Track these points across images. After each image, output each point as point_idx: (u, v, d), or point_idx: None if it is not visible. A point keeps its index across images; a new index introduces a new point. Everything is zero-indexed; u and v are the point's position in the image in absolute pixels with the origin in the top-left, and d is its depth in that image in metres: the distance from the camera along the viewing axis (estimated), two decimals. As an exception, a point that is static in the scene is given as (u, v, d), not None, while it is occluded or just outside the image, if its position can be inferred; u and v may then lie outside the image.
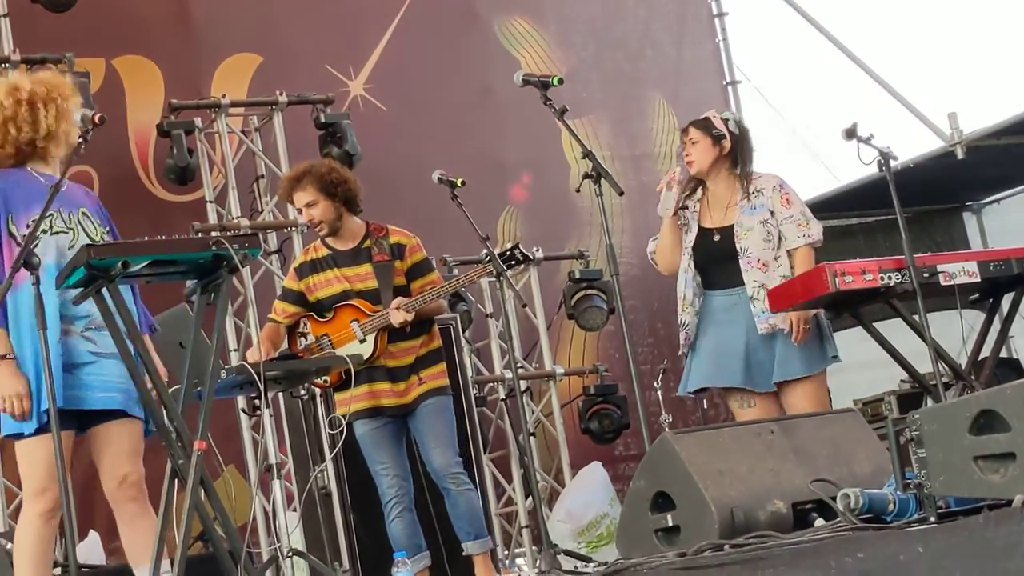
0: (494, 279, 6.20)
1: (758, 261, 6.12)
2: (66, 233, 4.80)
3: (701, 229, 6.25)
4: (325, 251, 6.34)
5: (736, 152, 6.25)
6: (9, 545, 6.27)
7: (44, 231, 4.72)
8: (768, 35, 12.00)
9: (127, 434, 4.72)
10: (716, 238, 6.21)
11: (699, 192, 6.32)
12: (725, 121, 6.26)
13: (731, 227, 6.19)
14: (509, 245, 6.23)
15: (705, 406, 9.91)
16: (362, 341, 6.18)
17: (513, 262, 6.22)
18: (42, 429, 4.61)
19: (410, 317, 6.10)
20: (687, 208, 6.31)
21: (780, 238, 6.16)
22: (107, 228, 4.96)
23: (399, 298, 6.15)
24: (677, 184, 6.24)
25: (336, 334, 6.27)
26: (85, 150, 5.13)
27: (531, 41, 11.00)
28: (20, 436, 4.69)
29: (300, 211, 6.38)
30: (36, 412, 4.62)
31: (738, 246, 6.15)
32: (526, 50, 10.94)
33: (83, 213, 4.90)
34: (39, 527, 4.71)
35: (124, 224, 5.16)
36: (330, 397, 7.05)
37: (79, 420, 4.77)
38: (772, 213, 6.17)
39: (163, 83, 9.53)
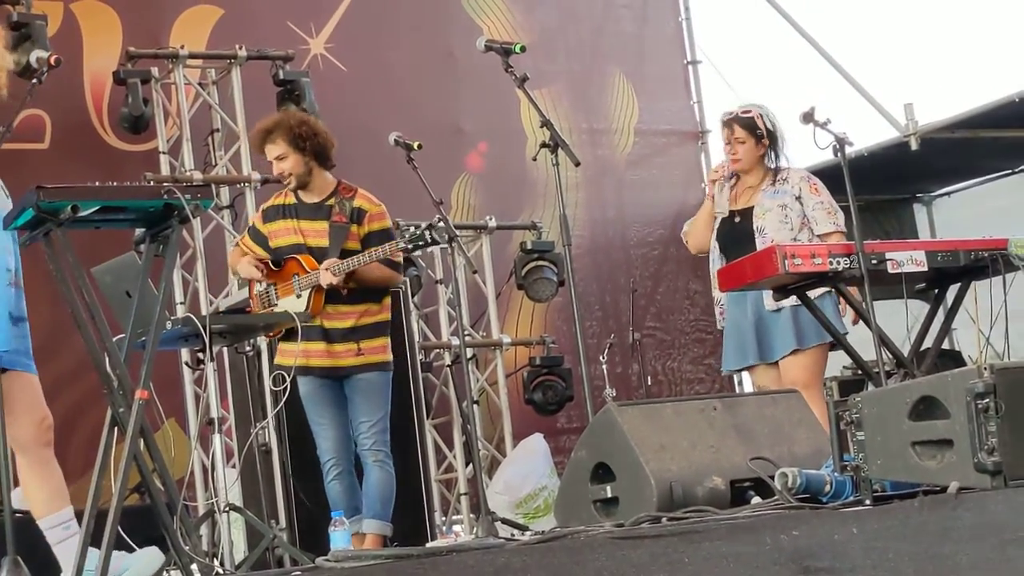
0: (445, 245, 6.16)
1: (772, 242, 6.29)
2: None
3: (731, 213, 6.60)
4: (292, 200, 6.37)
5: (773, 147, 6.62)
6: None
7: None
8: (730, 16, 12.02)
9: (34, 380, 4.75)
10: (737, 219, 6.55)
11: (733, 180, 6.68)
12: (761, 117, 6.60)
13: (751, 208, 6.53)
14: (424, 225, 6.11)
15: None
16: (298, 297, 6.19)
17: (422, 243, 6.08)
18: None
19: (336, 280, 6.09)
20: (723, 191, 6.67)
21: (803, 223, 6.47)
22: None
23: (330, 259, 6.15)
24: (723, 179, 6.65)
25: (281, 285, 6.30)
26: (39, 94, 5.06)
27: (495, 9, 10.96)
28: None
29: (271, 163, 6.39)
30: None
31: (755, 226, 6.47)
32: (489, 18, 10.90)
33: None
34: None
35: (75, 170, 5.15)
36: (275, 354, 7.05)
37: None
38: (798, 199, 6.49)
39: (121, 30, 9.43)
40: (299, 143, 6.24)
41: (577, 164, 5.91)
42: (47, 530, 4.69)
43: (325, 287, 6.12)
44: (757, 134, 6.58)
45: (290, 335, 6.17)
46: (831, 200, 6.53)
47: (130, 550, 4.76)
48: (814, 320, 6.24)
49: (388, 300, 6.41)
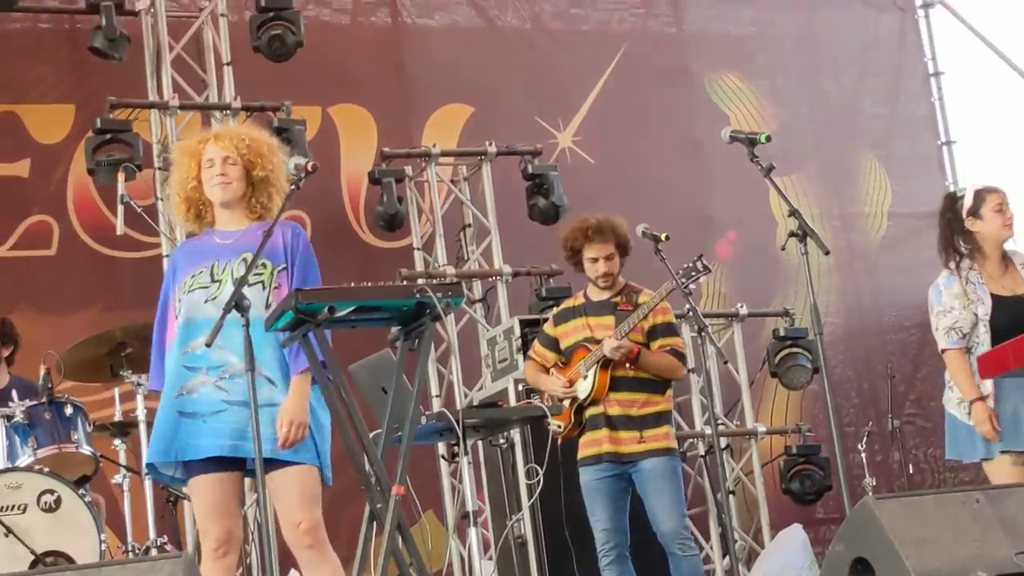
0: (696, 335, 6.18)
1: None
2: (205, 288, 4.77)
3: (996, 297, 6.09)
4: (581, 301, 6.56)
5: None
6: None
7: (192, 288, 4.77)
8: (986, 96, 11.73)
9: (297, 481, 4.72)
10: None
11: (975, 261, 6.18)
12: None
13: None
14: (692, 259, 6.23)
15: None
16: (584, 378, 6.34)
17: (694, 273, 6.26)
18: (193, 472, 4.77)
19: (617, 343, 6.20)
20: (971, 282, 6.13)
21: None
22: (283, 265, 4.80)
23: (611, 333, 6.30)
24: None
25: (569, 375, 6.44)
26: (299, 195, 5.20)
27: (741, 97, 10.95)
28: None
29: (590, 260, 6.45)
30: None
31: None
32: (736, 106, 10.90)
33: (243, 259, 4.76)
34: (209, 564, 4.80)
35: (333, 268, 5.28)
36: (528, 446, 7.17)
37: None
38: None
39: (376, 132, 9.75)
40: (625, 248, 6.46)
41: (827, 253, 5.81)
42: None
43: (608, 354, 6.24)
44: None
45: (582, 431, 6.37)
46: None
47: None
48: None
49: (671, 392, 6.51)
